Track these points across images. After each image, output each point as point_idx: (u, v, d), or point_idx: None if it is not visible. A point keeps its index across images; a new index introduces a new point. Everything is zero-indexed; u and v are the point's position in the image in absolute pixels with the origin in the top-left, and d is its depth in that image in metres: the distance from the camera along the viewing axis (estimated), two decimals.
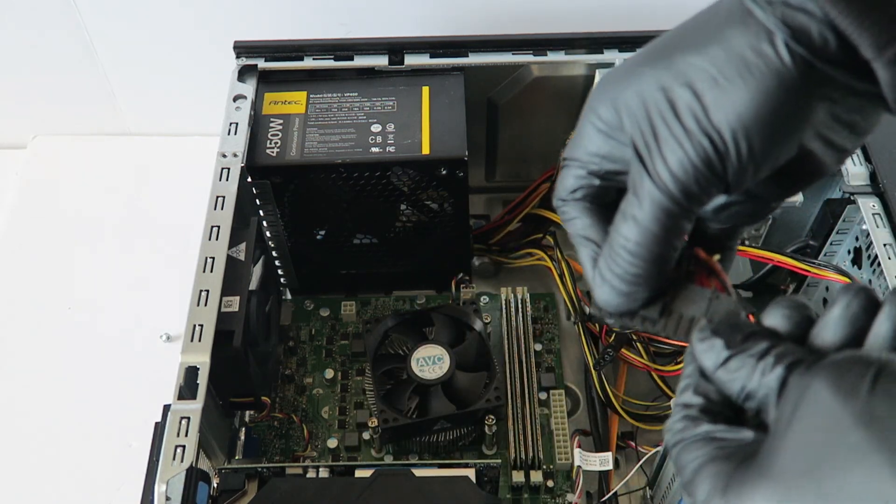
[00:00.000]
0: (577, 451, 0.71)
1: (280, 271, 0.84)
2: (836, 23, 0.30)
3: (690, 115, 0.33)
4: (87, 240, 1.00)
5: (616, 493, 0.70)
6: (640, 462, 0.69)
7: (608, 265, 0.37)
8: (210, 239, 0.67)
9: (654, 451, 0.67)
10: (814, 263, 0.69)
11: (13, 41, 0.99)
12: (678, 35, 0.36)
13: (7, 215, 1.03)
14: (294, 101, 0.77)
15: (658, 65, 0.35)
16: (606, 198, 0.39)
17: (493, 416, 0.72)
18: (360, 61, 0.79)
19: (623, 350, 0.75)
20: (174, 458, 0.56)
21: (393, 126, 0.75)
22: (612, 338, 0.75)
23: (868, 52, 0.30)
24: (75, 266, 0.98)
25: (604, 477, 0.71)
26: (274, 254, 0.82)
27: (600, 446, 0.73)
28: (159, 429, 0.60)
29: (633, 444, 0.74)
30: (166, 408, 0.59)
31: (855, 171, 0.71)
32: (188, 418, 0.57)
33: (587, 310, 0.77)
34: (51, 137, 1.10)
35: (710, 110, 0.33)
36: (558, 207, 0.40)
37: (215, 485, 0.62)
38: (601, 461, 0.70)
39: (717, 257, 0.39)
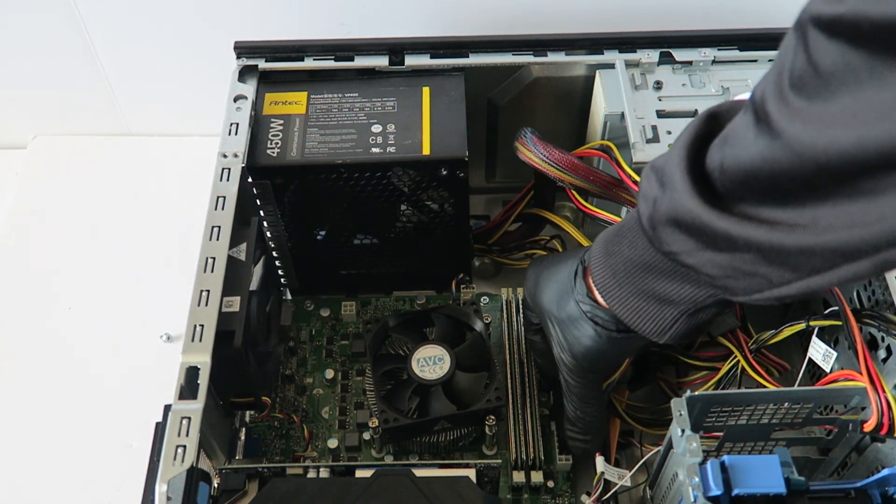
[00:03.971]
0: (599, 458, 0.71)
1: (280, 271, 0.84)
2: (630, 327, 0.58)
3: (565, 350, 0.65)
4: (88, 240, 1.00)
5: (616, 492, 0.70)
6: (641, 461, 0.69)
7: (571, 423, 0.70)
8: (210, 239, 0.67)
9: (654, 450, 0.67)
10: None
11: (13, 41, 0.99)
12: (552, 288, 0.65)
13: (7, 215, 1.03)
14: (294, 102, 0.77)
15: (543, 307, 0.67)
16: None
17: (493, 417, 0.72)
18: (361, 61, 0.79)
19: None
20: (175, 459, 0.56)
21: (393, 126, 0.75)
22: None
23: (653, 337, 0.57)
24: (75, 266, 0.98)
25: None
26: (274, 254, 0.82)
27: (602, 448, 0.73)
28: (160, 429, 0.60)
29: (635, 441, 0.74)
30: (167, 408, 0.59)
31: None
32: (189, 418, 0.57)
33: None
34: (51, 137, 1.11)
35: (574, 349, 0.64)
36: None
37: (216, 485, 0.62)
38: (619, 475, 0.70)
39: None
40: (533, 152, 0.75)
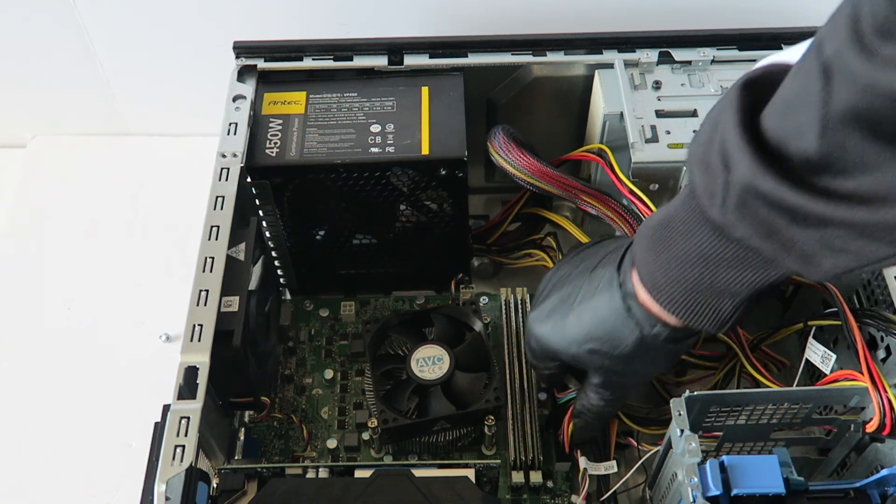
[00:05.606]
0: (582, 457, 0.71)
1: (280, 271, 0.84)
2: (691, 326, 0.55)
3: (623, 377, 0.62)
4: (87, 240, 1.00)
5: (615, 492, 0.70)
6: (640, 461, 0.69)
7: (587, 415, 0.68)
8: (210, 239, 0.67)
9: (653, 450, 0.67)
10: None
11: (13, 41, 0.99)
12: (592, 332, 0.60)
13: (6, 215, 1.03)
14: (293, 102, 0.77)
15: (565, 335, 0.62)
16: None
17: (492, 417, 0.72)
18: (360, 61, 0.79)
19: None
20: (174, 459, 0.56)
21: (392, 126, 0.75)
22: None
23: (712, 331, 0.54)
24: (75, 266, 0.98)
25: (603, 476, 0.71)
26: (273, 254, 0.82)
27: (601, 447, 0.73)
28: (159, 429, 0.60)
29: (632, 440, 0.74)
30: (166, 408, 0.59)
31: None
32: (188, 418, 0.57)
33: None
34: (51, 137, 1.11)
35: (641, 374, 0.64)
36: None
37: (215, 485, 0.62)
38: (605, 467, 0.70)
39: None
40: (501, 155, 0.74)
